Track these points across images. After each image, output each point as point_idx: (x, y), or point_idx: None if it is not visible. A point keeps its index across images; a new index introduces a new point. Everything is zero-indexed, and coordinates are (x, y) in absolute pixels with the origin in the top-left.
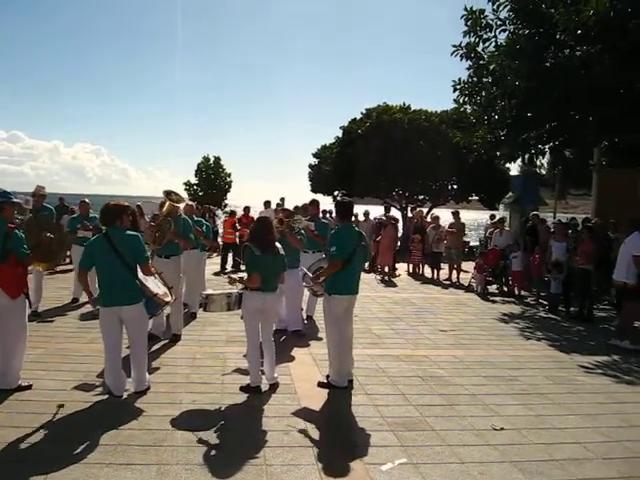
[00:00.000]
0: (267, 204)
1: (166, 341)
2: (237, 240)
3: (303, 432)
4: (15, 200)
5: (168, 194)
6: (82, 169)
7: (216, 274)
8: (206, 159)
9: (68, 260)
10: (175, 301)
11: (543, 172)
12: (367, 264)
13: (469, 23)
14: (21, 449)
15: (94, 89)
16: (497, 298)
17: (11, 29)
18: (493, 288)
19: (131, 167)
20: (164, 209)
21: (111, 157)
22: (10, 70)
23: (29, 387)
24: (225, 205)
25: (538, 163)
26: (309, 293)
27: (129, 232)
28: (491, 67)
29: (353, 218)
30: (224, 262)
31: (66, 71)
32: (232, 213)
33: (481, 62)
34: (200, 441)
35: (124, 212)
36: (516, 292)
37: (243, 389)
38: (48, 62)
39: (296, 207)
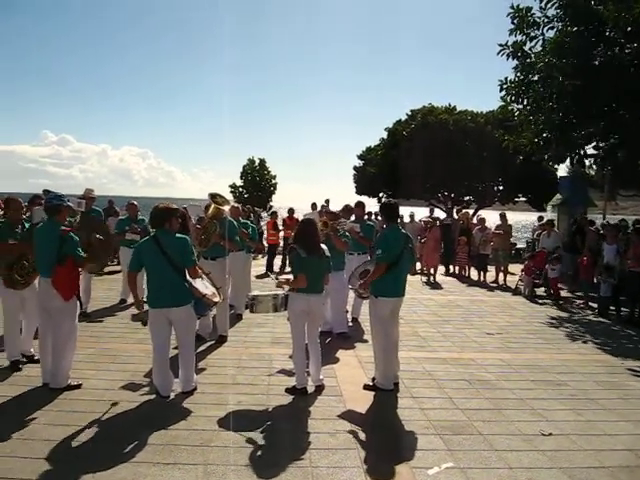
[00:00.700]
0: (314, 206)
1: (212, 342)
2: (280, 241)
3: (349, 434)
4: (69, 204)
5: (213, 197)
6: (129, 172)
7: (260, 276)
8: (251, 161)
9: (116, 262)
10: (221, 302)
11: (592, 173)
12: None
13: (516, 21)
14: (70, 447)
15: (138, 91)
16: (545, 301)
17: (52, 33)
18: (541, 291)
19: (177, 169)
20: (209, 212)
21: (157, 160)
22: (57, 74)
23: (78, 386)
24: (270, 207)
25: (587, 164)
26: (355, 295)
27: (178, 235)
28: (538, 66)
29: (399, 220)
30: (269, 264)
31: (110, 74)
32: (273, 214)
33: (528, 61)
34: (246, 442)
35: (173, 215)
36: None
37: (289, 391)
38: (91, 65)
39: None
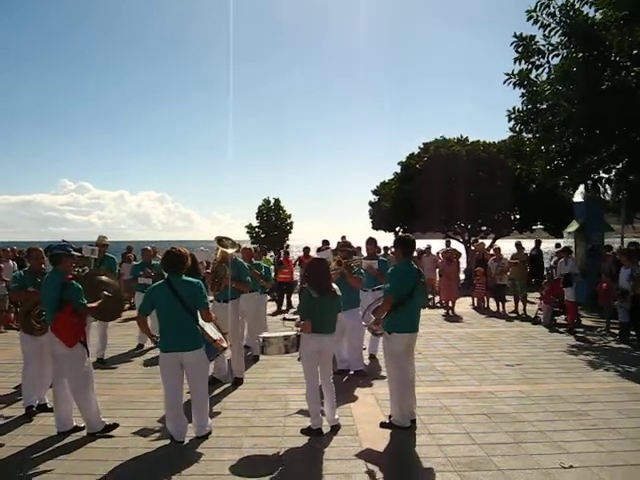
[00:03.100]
0: (325, 242)
1: (228, 385)
2: (292, 279)
3: (365, 474)
4: (73, 253)
5: (220, 240)
6: (147, 216)
7: (273, 314)
8: (266, 201)
9: (129, 306)
10: (235, 344)
11: (607, 197)
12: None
13: (520, 49)
14: None
15: (154, 136)
16: (565, 329)
17: (65, 81)
18: (561, 319)
19: (195, 212)
20: (217, 255)
21: (175, 204)
22: (73, 122)
23: (116, 425)
24: (287, 246)
25: (601, 189)
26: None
27: (190, 278)
28: (545, 94)
29: (416, 254)
30: (280, 302)
31: (124, 118)
32: (286, 254)
33: (535, 89)
34: None
35: (186, 259)
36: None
37: (304, 432)
38: (105, 110)
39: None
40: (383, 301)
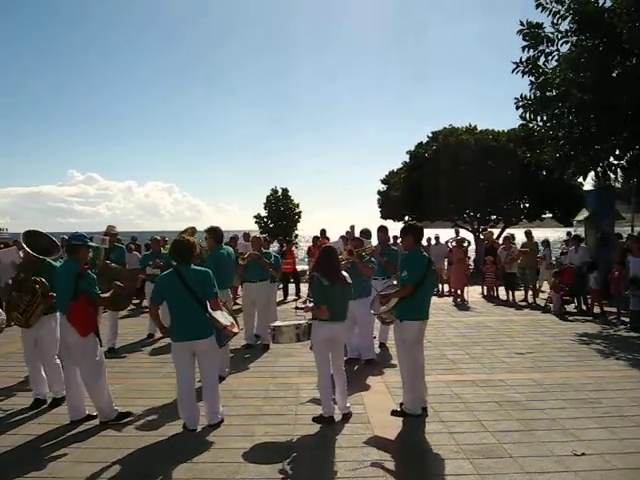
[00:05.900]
0: (322, 232)
1: (237, 373)
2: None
3: (377, 462)
4: (90, 243)
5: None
6: (155, 207)
7: (278, 304)
8: (274, 191)
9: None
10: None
11: (618, 185)
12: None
13: (527, 38)
14: None
15: (162, 127)
16: (575, 317)
17: (72, 73)
18: (571, 307)
19: (202, 202)
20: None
21: (183, 194)
22: (81, 113)
23: (129, 413)
24: (296, 235)
25: (612, 177)
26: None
27: (199, 268)
28: (555, 82)
29: (426, 243)
30: (286, 292)
31: (132, 110)
32: (289, 242)
33: (543, 78)
34: (273, 474)
35: (194, 248)
36: (597, 310)
37: (316, 420)
38: (113, 102)
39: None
40: (401, 289)
